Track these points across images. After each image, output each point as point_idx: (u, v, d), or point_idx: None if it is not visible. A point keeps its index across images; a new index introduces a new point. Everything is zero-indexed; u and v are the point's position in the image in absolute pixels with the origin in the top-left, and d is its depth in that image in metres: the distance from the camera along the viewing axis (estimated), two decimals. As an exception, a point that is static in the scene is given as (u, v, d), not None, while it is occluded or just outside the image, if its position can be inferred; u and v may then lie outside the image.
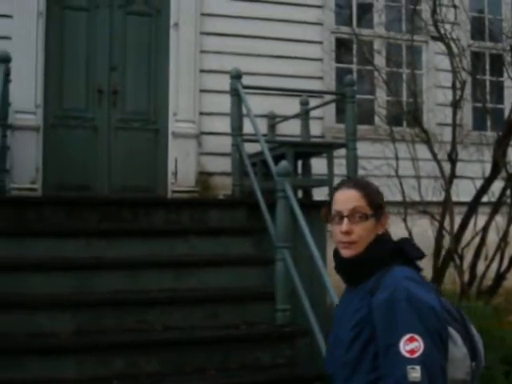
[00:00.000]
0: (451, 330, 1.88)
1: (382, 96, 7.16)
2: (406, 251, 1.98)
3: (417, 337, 1.77)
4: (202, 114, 6.77)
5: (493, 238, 6.06)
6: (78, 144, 6.52)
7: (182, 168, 6.61)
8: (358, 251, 1.98)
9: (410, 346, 1.77)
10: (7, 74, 4.84)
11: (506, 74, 6.89)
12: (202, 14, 6.86)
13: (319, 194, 5.97)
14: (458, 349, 1.88)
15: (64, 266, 4.46)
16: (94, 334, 4.12)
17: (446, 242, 5.90)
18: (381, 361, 1.82)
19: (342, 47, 7.49)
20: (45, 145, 6.37)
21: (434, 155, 6.02)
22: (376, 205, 2.02)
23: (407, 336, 1.78)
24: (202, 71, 6.81)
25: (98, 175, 6.55)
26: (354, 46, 7.32)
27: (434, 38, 6.85)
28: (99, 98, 6.62)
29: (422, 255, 1.98)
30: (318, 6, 7.24)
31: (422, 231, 5.99)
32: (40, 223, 4.85)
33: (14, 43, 6.07)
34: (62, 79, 6.53)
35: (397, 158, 6.20)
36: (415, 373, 1.75)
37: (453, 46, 6.21)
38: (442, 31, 6.14)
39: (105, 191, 6.52)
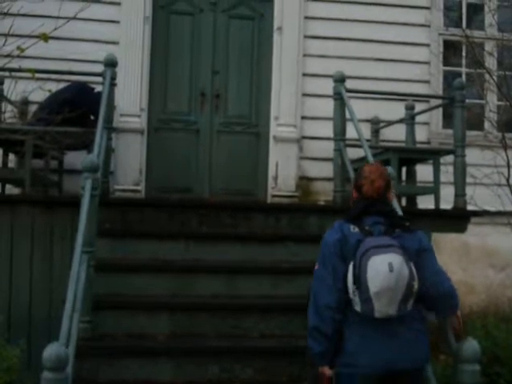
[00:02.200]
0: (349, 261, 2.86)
1: (493, 100, 6.80)
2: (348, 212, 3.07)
3: (317, 260, 2.96)
4: (303, 118, 6.69)
5: None
6: (181, 147, 6.61)
7: (282, 172, 6.55)
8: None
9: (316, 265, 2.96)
10: (113, 78, 4.93)
11: None
12: (306, 18, 6.77)
13: (425, 202, 5.73)
14: (349, 271, 2.84)
15: (163, 269, 4.49)
16: (190, 337, 4.10)
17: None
18: None
19: (451, 49, 7.18)
20: (148, 147, 6.50)
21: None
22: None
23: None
24: (304, 75, 6.73)
25: (200, 178, 6.60)
26: (464, 48, 7.00)
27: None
28: (202, 102, 6.67)
29: (350, 217, 3.00)
30: (426, 7, 6.99)
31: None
32: (142, 225, 4.92)
33: (121, 48, 6.24)
34: (166, 83, 6.64)
35: (508, 166, 5.87)
36: (313, 280, 2.93)
37: None
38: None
39: (205, 194, 6.56)
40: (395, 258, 2.76)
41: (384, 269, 2.73)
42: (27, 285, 4.82)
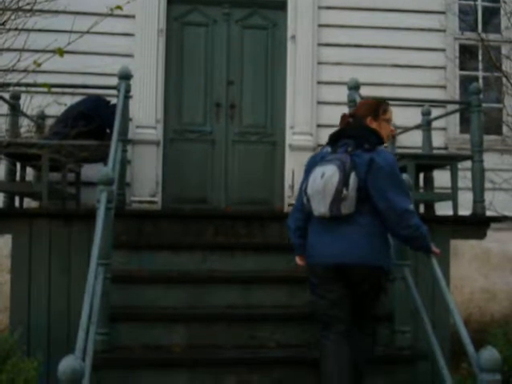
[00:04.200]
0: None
1: (510, 104, 6.69)
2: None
3: None
4: (319, 126, 6.66)
5: None
6: (196, 157, 6.63)
7: (299, 181, 6.50)
8: None
9: None
10: (127, 90, 4.96)
11: None
12: (320, 25, 6.77)
13: (443, 209, 5.67)
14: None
15: (179, 280, 4.49)
16: (206, 348, 4.09)
17: None
18: None
19: (467, 54, 7.13)
20: (164, 158, 6.52)
21: None
22: None
23: None
24: (319, 83, 6.71)
25: (216, 188, 6.61)
26: (480, 52, 6.95)
27: None
28: (217, 112, 6.69)
29: (328, 141, 3.65)
30: (441, 12, 6.95)
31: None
32: (157, 236, 4.94)
33: (135, 60, 6.29)
34: (181, 94, 6.67)
35: (528, 171, 5.80)
36: None
37: None
38: None
39: (222, 204, 6.57)
40: (329, 168, 3.39)
41: (318, 176, 3.42)
42: (46, 297, 4.85)
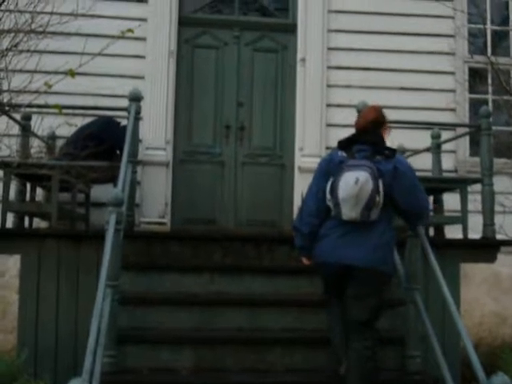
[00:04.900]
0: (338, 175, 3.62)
1: (521, 127, 6.71)
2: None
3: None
4: (328, 148, 6.64)
5: None
6: (206, 179, 6.65)
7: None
8: None
9: None
10: (138, 112, 4.98)
11: None
12: (329, 48, 6.80)
13: (453, 232, 5.64)
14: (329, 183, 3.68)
15: (188, 301, 4.48)
16: (214, 371, 4.06)
17: None
18: None
19: (476, 77, 7.13)
20: (174, 180, 6.54)
21: None
22: None
23: None
24: (328, 105, 6.73)
25: (225, 209, 6.62)
26: (489, 76, 6.95)
27: None
28: (226, 134, 6.71)
29: (340, 145, 3.78)
30: (450, 35, 6.97)
31: None
32: (166, 257, 4.93)
33: (146, 82, 6.32)
34: (191, 115, 6.70)
35: (538, 194, 5.76)
36: None
37: None
38: None
39: (230, 225, 6.56)
40: (362, 175, 3.53)
41: (351, 181, 3.52)
42: (53, 318, 4.84)
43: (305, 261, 3.96)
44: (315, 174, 3.82)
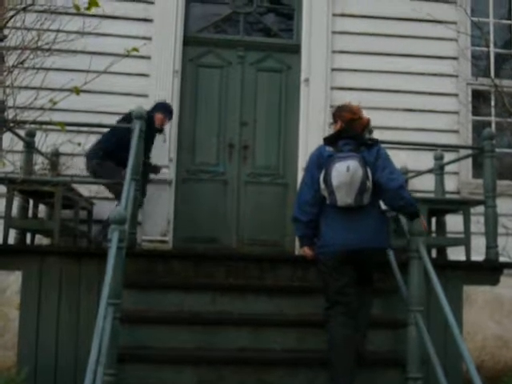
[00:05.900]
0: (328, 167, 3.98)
1: (524, 150, 6.72)
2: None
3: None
4: (331, 168, 6.65)
5: None
6: (209, 197, 6.65)
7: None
8: None
9: None
10: (142, 130, 4.98)
11: None
12: (333, 69, 6.83)
13: (455, 254, 5.62)
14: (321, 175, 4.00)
15: (189, 321, 4.45)
16: (215, 392, 4.03)
17: None
18: None
19: (480, 99, 7.15)
20: (176, 198, 6.54)
21: None
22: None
23: None
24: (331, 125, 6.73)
25: (227, 228, 6.61)
26: (493, 98, 6.97)
27: None
28: (230, 153, 6.72)
29: (326, 141, 4.17)
30: (453, 58, 7.00)
31: None
32: (168, 276, 4.90)
33: (150, 100, 6.32)
34: (194, 134, 6.72)
35: (542, 216, 5.75)
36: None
37: None
38: None
39: (233, 245, 6.55)
40: (352, 163, 3.91)
41: (343, 169, 3.89)
42: (54, 335, 4.81)
43: (307, 251, 4.20)
44: (308, 167, 4.16)
